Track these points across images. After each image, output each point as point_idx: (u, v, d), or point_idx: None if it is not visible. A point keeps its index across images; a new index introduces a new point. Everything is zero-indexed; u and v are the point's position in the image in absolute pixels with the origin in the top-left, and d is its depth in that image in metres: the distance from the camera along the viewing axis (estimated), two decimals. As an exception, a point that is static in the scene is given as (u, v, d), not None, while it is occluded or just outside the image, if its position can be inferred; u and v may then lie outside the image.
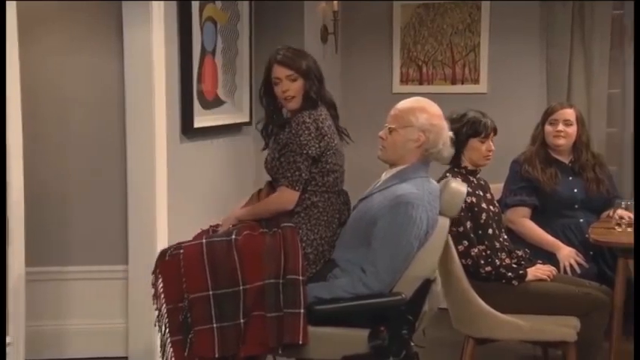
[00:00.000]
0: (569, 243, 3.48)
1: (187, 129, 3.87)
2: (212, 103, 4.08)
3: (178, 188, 3.81)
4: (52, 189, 3.74)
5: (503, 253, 3.18)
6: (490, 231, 3.12)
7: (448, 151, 2.81)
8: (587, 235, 3.48)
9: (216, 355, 2.62)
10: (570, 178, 3.63)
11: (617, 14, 4.27)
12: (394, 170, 2.79)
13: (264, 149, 3.04)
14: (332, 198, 2.85)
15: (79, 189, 3.77)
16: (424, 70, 4.84)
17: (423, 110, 2.75)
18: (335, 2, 4.55)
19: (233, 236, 2.69)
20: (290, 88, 2.85)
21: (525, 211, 3.55)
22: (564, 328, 3.04)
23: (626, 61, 4.26)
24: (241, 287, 2.63)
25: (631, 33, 4.22)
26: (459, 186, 2.82)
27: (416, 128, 2.73)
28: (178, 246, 2.73)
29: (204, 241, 2.71)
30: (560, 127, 3.58)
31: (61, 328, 3.73)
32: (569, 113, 3.62)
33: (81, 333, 3.75)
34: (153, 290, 2.77)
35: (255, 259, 2.65)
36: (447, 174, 3.18)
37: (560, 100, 4.19)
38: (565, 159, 3.66)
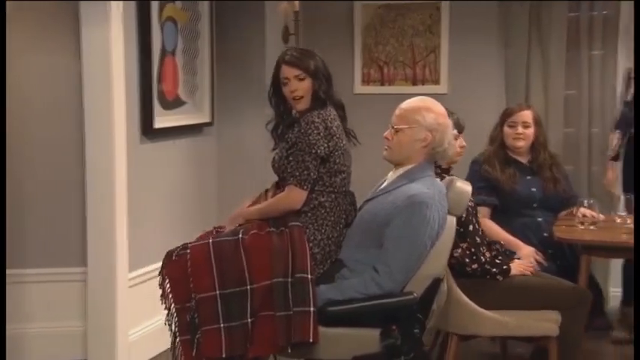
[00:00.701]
0: (528, 242, 3.53)
1: (148, 129, 3.84)
2: (173, 103, 4.06)
3: (138, 189, 3.78)
4: (9, 190, 3.67)
5: (484, 247, 3.23)
6: (471, 227, 3.15)
7: (453, 149, 2.85)
8: (545, 234, 3.54)
9: (224, 355, 2.60)
10: (528, 177, 3.69)
11: (572, 16, 4.34)
12: (401, 170, 2.79)
13: (273, 149, 3.02)
14: (339, 198, 2.85)
15: (37, 190, 3.71)
16: (385, 70, 4.87)
17: (430, 109, 2.75)
18: (296, 2, 4.55)
19: (240, 235, 2.69)
20: (299, 87, 2.84)
21: (485, 210, 3.60)
22: (546, 322, 3.09)
23: (582, 62, 4.34)
24: (249, 287, 2.62)
25: (587, 35, 4.30)
26: (464, 185, 2.84)
27: (423, 128, 2.72)
28: (185, 246, 2.73)
29: (210, 241, 2.70)
30: (519, 129, 3.65)
31: (19, 332, 3.67)
32: (527, 115, 3.68)
33: (39, 336, 3.69)
34: (160, 291, 2.76)
35: (263, 258, 2.65)
36: None
37: (519, 101, 4.26)
38: (523, 159, 3.73)
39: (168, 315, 2.72)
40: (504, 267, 3.15)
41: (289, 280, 2.62)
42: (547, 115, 4.35)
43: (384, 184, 2.86)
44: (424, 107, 2.76)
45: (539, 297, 3.14)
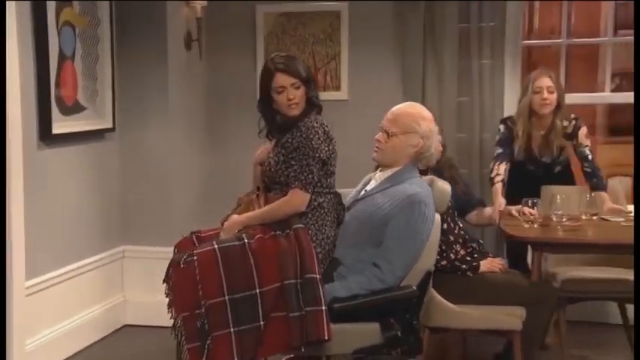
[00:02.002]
0: None
1: (45, 135, 3.79)
2: (72, 108, 4.01)
3: (36, 195, 3.71)
4: None
5: (458, 245, 3.39)
6: (445, 225, 3.27)
7: (437, 154, 3.05)
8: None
9: (235, 359, 2.62)
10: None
11: (463, 27, 4.51)
12: (389, 172, 2.96)
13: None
14: (333, 199, 2.97)
15: None
16: (287, 77, 4.95)
17: (423, 117, 2.96)
18: (198, 8, 4.57)
19: (245, 240, 2.73)
20: (296, 95, 2.92)
21: None
22: (511, 317, 3.25)
23: (473, 70, 4.54)
24: (257, 290, 2.68)
25: (477, 45, 4.51)
26: (444, 184, 3.04)
27: (418, 135, 2.92)
28: (191, 254, 2.74)
29: (216, 246, 2.73)
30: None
31: None
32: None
33: None
34: (167, 299, 2.78)
35: (271, 261, 2.72)
36: None
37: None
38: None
39: (174, 324, 2.72)
40: (474, 264, 3.34)
41: (299, 281, 2.70)
42: (442, 121, 4.52)
43: (370, 184, 3.01)
44: (418, 114, 2.97)
45: (505, 293, 3.32)
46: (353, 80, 4.83)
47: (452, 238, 3.39)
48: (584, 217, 3.67)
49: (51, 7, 3.76)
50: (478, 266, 3.37)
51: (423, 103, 4.61)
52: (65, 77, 3.92)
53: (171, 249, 4.61)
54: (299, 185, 2.86)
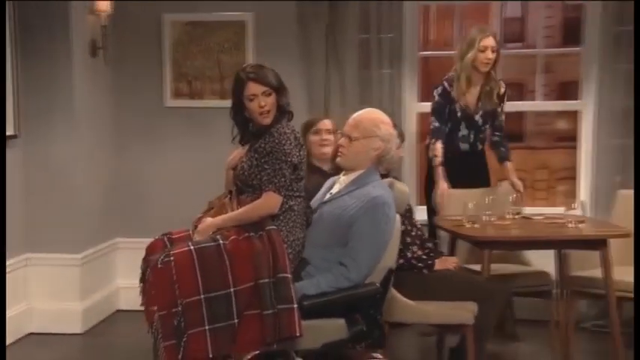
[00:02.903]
0: None
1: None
2: (-28, 115, 3.95)
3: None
4: None
5: (415, 246, 3.55)
6: (402, 227, 3.36)
7: (396, 157, 3.20)
8: None
9: (210, 356, 2.74)
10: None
11: (363, 38, 4.72)
12: (353, 175, 3.10)
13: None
14: (302, 202, 3.09)
15: None
16: (194, 85, 5.02)
17: (383, 121, 3.12)
18: (103, 16, 4.59)
19: (220, 242, 2.84)
20: (267, 102, 3.04)
21: None
22: (463, 312, 3.42)
23: (374, 80, 4.76)
24: (232, 289, 2.79)
25: (377, 56, 4.73)
26: (402, 186, 3.21)
27: (378, 138, 3.08)
28: (167, 254, 2.82)
29: (192, 247, 2.83)
30: (324, 135, 3.93)
31: None
32: (328, 124, 3.99)
33: None
34: (144, 299, 2.88)
35: (246, 261, 2.83)
36: None
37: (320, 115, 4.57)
38: (326, 167, 4.02)
39: (152, 324, 2.81)
40: (429, 262, 3.53)
41: (272, 280, 2.82)
42: (343, 128, 4.71)
43: (335, 188, 3.15)
44: (379, 119, 3.13)
45: (458, 289, 3.50)
46: (259, 89, 4.94)
47: (409, 239, 3.57)
48: (508, 216, 3.92)
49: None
50: (433, 264, 3.57)
51: (326, 110, 4.80)
52: (-34, 84, 3.86)
53: (78, 256, 4.63)
54: (272, 188, 2.98)
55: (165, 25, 4.95)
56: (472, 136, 4.32)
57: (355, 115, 3.21)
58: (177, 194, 5.09)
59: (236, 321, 2.78)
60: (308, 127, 4.02)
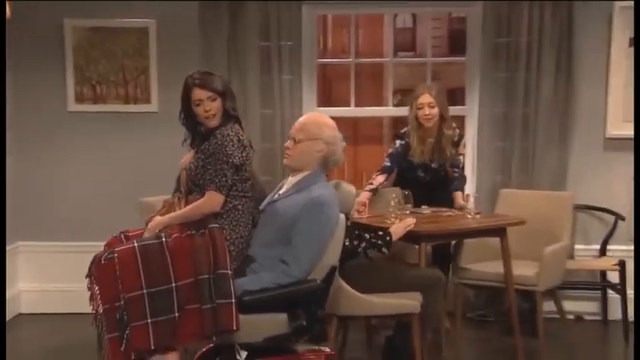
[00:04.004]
0: None
1: None
2: None
3: None
4: None
5: (366, 234, 3.67)
6: (349, 222, 3.51)
7: (342, 158, 3.33)
8: None
9: (152, 347, 2.87)
10: None
11: (264, 45, 4.90)
12: (299, 176, 3.24)
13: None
14: (248, 202, 3.23)
15: None
16: (98, 89, 5.04)
17: (326, 124, 3.28)
18: None
19: (163, 239, 2.97)
20: (212, 107, 3.21)
21: None
22: (410, 301, 3.58)
23: (274, 85, 4.95)
24: (174, 284, 2.89)
25: (277, 62, 4.93)
26: (348, 186, 3.36)
27: (321, 140, 3.23)
28: (112, 251, 2.95)
29: (136, 244, 2.95)
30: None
31: None
32: None
33: None
34: (89, 293, 2.96)
35: (187, 257, 2.96)
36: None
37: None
38: None
39: (95, 316, 2.93)
40: (387, 238, 3.63)
41: (212, 276, 2.94)
42: (247, 132, 4.84)
43: (283, 188, 3.28)
44: (322, 122, 3.29)
45: (403, 281, 3.67)
46: (163, 93, 5.01)
47: (357, 232, 3.69)
48: (393, 216, 4.09)
49: None
50: (391, 238, 3.65)
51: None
52: None
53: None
54: (214, 187, 3.14)
55: (67, 30, 4.96)
56: (429, 177, 4.59)
57: (301, 118, 3.41)
58: (80, 198, 5.12)
59: (177, 315, 2.91)
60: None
